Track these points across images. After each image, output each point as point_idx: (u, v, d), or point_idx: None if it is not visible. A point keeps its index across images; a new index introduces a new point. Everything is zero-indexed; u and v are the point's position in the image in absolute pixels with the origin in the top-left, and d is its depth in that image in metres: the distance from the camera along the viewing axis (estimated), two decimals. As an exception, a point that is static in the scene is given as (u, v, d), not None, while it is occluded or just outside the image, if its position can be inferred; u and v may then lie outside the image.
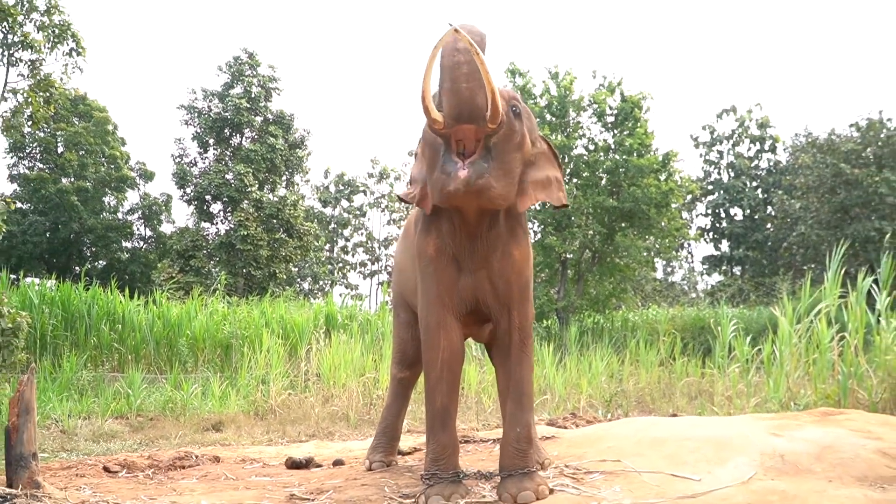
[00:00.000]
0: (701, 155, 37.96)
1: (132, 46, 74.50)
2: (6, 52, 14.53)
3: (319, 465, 5.11)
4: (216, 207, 27.94)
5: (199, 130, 27.69)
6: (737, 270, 36.70)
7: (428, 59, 3.36)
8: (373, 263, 42.14)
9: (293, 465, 5.06)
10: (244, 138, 28.12)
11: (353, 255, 41.84)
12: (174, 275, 23.83)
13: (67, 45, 13.91)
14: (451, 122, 3.40)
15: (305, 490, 4.14)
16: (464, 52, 3.32)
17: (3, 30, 14.25)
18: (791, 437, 4.57)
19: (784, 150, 36.50)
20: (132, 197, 32.78)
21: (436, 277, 3.91)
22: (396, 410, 5.08)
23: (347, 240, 41.67)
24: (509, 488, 3.76)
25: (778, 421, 5.19)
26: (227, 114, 27.41)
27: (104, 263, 30.21)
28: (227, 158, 27.57)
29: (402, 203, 4.21)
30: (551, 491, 3.85)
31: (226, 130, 27.77)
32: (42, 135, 28.76)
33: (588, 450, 4.66)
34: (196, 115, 27.72)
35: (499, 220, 3.86)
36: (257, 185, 27.03)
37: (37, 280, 17.41)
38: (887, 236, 19.16)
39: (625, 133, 21.62)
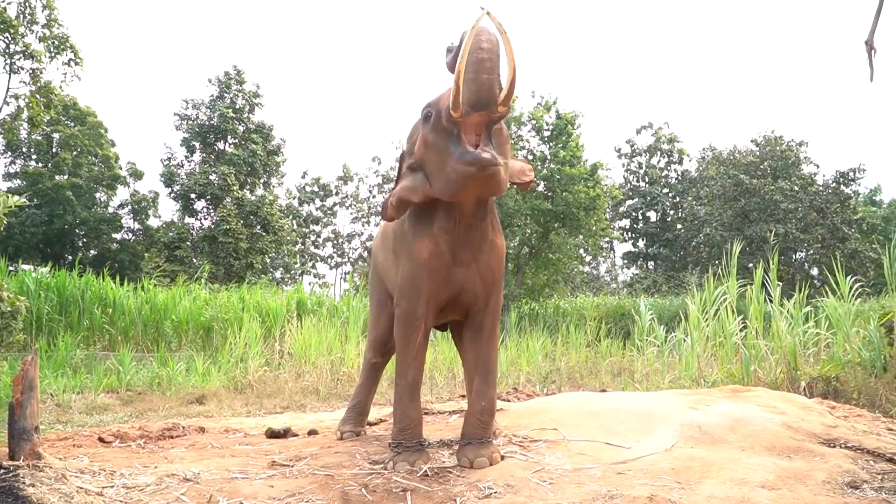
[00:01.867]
0: (623, 165, 38.39)
1: (125, 55, 73.35)
2: (9, 61, 14.20)
3: (296, 435, 5.02)
4: (200, 204, 27.69)
5: (187, 135, 27.33)
6: (651, 265, 37.18)
7: (464, 46, 3.22)
8: (339, 256, 41.93)
9: (272, 434, 4.95)
10: (228, 144, 27.85)
11: (321, 249, 41.60)
12: (161, 264, 23.54)
13: (66, 55, 13.66)
14: (467, 110, 3.27)
15: (285, 457, 4.05)
16: (486, 49, 3.21)
17: (6, 40, 13.92)
18: (707, 410, 4.58)
19: (690, 161, 37.07)
20: (122, 193, 32.35)
21: (427, 278, 3.78)
22: (367, 390, 5.00)
23: (318, 235, 41.42)
24: (467, 454, 3.73)
25: (694, 396, 5.21)
26: (213, 121, 27.11)
27: (95, 253, 29.66)
28: (211, 161, 27.28)
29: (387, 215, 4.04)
30: (503, 457, 3.82)
31: (211, 136, 27.45)
32: (38, 137, 28.19)
33: (532, 421, 4.62)
34: (186, 121, 27.36)
35: (486, 210, 3.79)
36: (238, 186, 26.90)
37: (32, 267, 16.97)
38: (771, 235, 19.57)
39: (559, 146, 21.76)
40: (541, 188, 21.63)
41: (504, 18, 3.29)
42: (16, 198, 7.98)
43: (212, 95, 27.82)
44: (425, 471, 3.61)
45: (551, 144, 22.13)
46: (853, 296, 7.60)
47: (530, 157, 22.29)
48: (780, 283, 7.82)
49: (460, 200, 3.62)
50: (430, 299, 3.83)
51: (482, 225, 3.78)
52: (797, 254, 26.28)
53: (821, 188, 25.31)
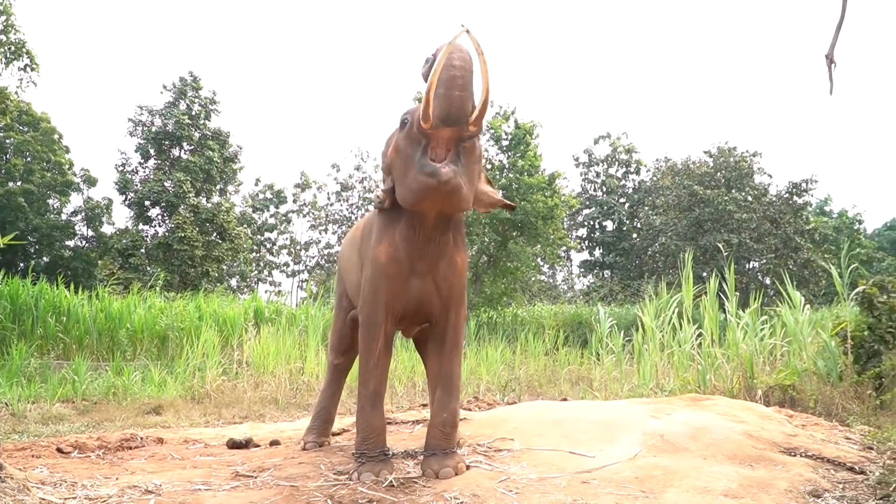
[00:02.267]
0: (580, 174, 38.68)
1: (78, 59, 71.87)
2: (-36, 67, 13.90)
3: (258, 445, 4.97)
4: (155, 212, 27.25)
5: (142, 142, 26.89)
6: (607, 274, 37.50)
7: (438, 60, 3.26)
8: (295, 264, 41.62)
9: (234, 445, 4.89)
10: (183, 151, 27.48)
11: (277, 256, 41.25)
12: (115, 271, 23.15)
13: (22, 61, 13.40)
14: (437, 123, 3.32)
15: (248, 468, 4.02)
16: (459, 67, 3.27)
17: (-38, 46, 13.61)
18: (668, 419, 4.64)
19: (647, 172, 37.50)
20: (76, 200, 31.70)
21: (384, 283, 3.81)
22: (330, 394, 4.98)
23: (273, 243, 41.07)
24: (432, 465, 3.74)
25: (654, 405, 5.27)
26: (169, 128, 26.76)
27: (47, 260, 29.04)
28: (166, 168, 26.90)
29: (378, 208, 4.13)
30: (468, 467, 3.83)
31: (166, 143, 27.06)
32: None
33: (495, 430, 4.64)
34: (141, 127, 26.93)
35: (449, 226, 3.81)
36: (194, 193, 26.53)
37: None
38: (724, 245, 19.87)
39: (517, 155, 21.88)
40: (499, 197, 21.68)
41: (477, 34, 3.33)
42: None
43: (167, 102, 27.44)
44: (391, 481, 3.60)
45: (510, 154, 22.23)
46: (803, 307, 7.75)
47: (489, 167, 22.37)
48: (737, 293, 7.93)
49: (421, 211, 3.65)
50: (387, 306, 3.84)
51: (443, 239, 3.80)
52: (750, 263, 26.73)
53: (774, 199, 25.78)
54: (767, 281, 23.84)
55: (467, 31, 3.29)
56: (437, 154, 3.44)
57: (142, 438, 5.25)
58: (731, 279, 7.95)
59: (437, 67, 3.26)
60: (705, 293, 8.07)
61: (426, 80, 3.42)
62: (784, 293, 7.98)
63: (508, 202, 4.01)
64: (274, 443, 5.03)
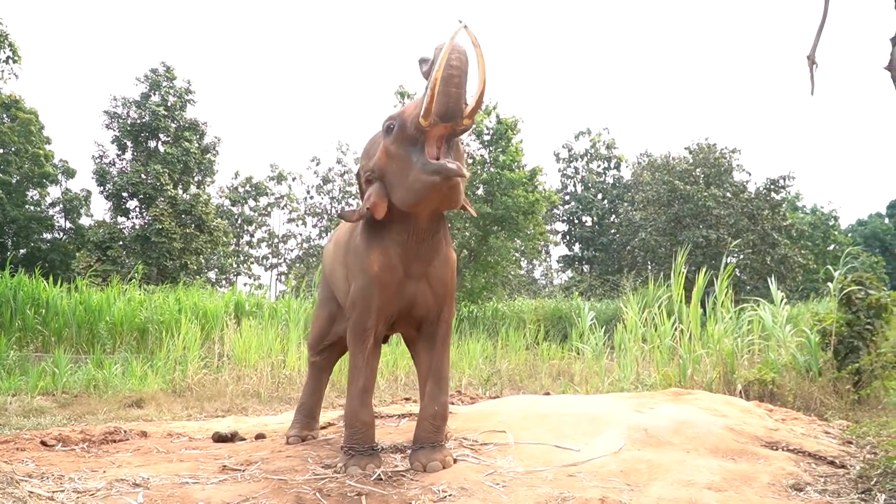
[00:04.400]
0: (560, 170, 38.74)
1: (56, 49, 71.02)
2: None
3: (244, 439, 4.97)
4: (132, 204, 26.93)
5: (118, 134, 26.59)
6: (586, 268, 37.64)
7: (440, 58, 3.29)
8: (274, 257, 41.43)
9: (219, 438, 4.89)
10: (160, 142, 27.19)
11: (256, 249, 41.03)
12: (92, 263, 22.91)
13: (4, 52, 13.23)
14: (435, 120, 3.35)
15: (235, 462, 4.02)
16: (455, 67, 3.30)
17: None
18: (651, 413, 4.68)
19: (628, 167, 37.66)
20: (54, 192, 31.37)
21: (377, 291, 3.80)
22: (311, 390, 5.01)
23: (252, 235, 40.83)
24: (420, 458, 3.77)
25: (638, 399, 5.31)
26: (144, 119, 26.47)
27: (24, 252, 28.73)
28: (143, 159, 26.61)
29: (345, 220, 4.15)
30: (455, 461, 3.86)
31: (143, 134, 26.76)
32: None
33: (481, 424, 4.67)
34: (117, 119, 26.62)
35: (440, 225, 3.84)
36: (172, 185, 26.29)
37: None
38: (717, 241, 19.94)
39: (499, 150, 21.87)
40: (480, 192, 21.72)
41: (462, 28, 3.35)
42: None
43: (142, 93, 27.09)
44: (379, 475, 3.63)
45: (491, 149, 22.22)
46: (783, 302, 7.83)
47: (470, 161, 22.37)
48: (720, 291, 8.00)
49: (417, 212, 3.66)
50: (380, 312, 3.86)
51: (435, 238, 3.83)
52: (728, 259, 26.89)
53: (752, 195, 25.96)
54: (744, 277, 24.01)
55: (465, 27, 3.32)
56: (431, 152, 3.47)
57: (125, 432, 5.24)
58: (725, 277, 8.03)
59: (440, 64, 3.29)
60: (687, 288, 8.14)
61: (426, 79, 3.44)
62: (761, 288, 8.07)
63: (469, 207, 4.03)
64: (259, 436, 5.03)
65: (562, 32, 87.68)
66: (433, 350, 4.00)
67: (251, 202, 40.28)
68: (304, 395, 5.01)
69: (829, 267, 7.90)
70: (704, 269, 8.27)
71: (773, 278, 8.21)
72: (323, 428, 5.29)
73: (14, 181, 28.31)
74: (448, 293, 3.96)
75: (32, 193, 30.23)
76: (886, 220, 45.04)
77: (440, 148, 3.49)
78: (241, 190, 39.96)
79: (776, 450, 4.11)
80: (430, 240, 3.80)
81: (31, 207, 29.74)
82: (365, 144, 4.04)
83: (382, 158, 3.70)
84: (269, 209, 41.08)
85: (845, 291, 6.91)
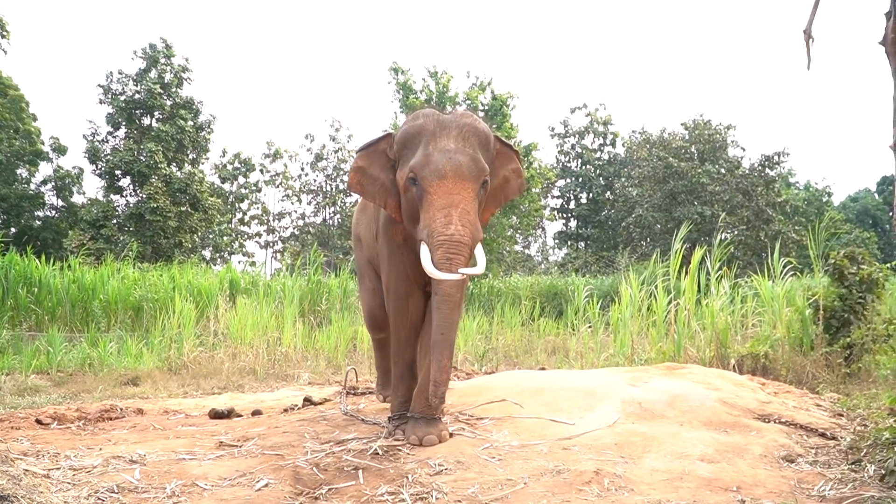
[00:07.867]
0: (556, 146, 38.64)
1: (46, 24, 70.31)
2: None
3: (240, 415, 5.00)
4: (126, 181, 26.76)
5: (112, 111, 26.37)
6: (582, 245, 37.65)
7: None
8: (268, 234, 41.32)
9: (216, 415, 4.92)
10: (154, 120, 27.00)
11: (249, 227, 40.86)
12: (85, 242, 22.85)
13: (-7, 28, 13.13)
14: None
15: (232, 438, 4.05)
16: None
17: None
18: (645, 387, 4.72)
19: (622, 144, 37.56)
20: (45, 169, 31.10)
21: (403, 258, 3.99)
22: (383, 358, 5.23)
23: (245, 213, 40.65)
24: (417, 431, 3.82)
25: (632, 373, 5.36)
26: (139, 96, 26.26)
27: (15, 231, 28.54)
28: (137, 137, 26.43)
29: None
30: (451, 435, 3.89)
31: (137, 111, 26.57)
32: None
33: (477, 398, 4.70)
34: (111, 95, 26.38)
35: None
36: (166, 163, 26.13)
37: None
38: (712, 217, 19.94)
39: (494, 126, 21.82)
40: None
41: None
42: None
43: (139, 69, 26.86)
44: (375, 449, 3.66)
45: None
46: (783, 276, 7.85)
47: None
48: (713, 266, 8.03)
49: None
50: (410, 279, 4.02)
51: None
52: (722, 234, 26.89)
53: (746, 171, 25.93)
54: (738, 253, 24.03)
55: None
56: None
57: (122, 409, 5.26)
58: (718, 253, 8.06)
59: None
60: (683, 264, 8.16)
61: None
62: (756, 265, 8.10)
63: None
64: (256, 412, 5.06)
65: (557, 7, 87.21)
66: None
67: (241, 178, 40.01)
68: (382, 363, 5.27)
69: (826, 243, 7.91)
70: (699, 246, 8.28)
71: (776, 251, 8.21)
72: (319, 404, 5.32)
73: (2, 159, 28.06)
74: None
75: (22, 171, 30.00)
76: (877, 196, 45.08)
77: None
78: (229, 167, 39.69)
79: (768, 422, 4.15)
80: None
81: (22, 185, 29.54)
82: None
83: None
84: (258, 185, 40.82)
85: (837, 266, 6.95)
